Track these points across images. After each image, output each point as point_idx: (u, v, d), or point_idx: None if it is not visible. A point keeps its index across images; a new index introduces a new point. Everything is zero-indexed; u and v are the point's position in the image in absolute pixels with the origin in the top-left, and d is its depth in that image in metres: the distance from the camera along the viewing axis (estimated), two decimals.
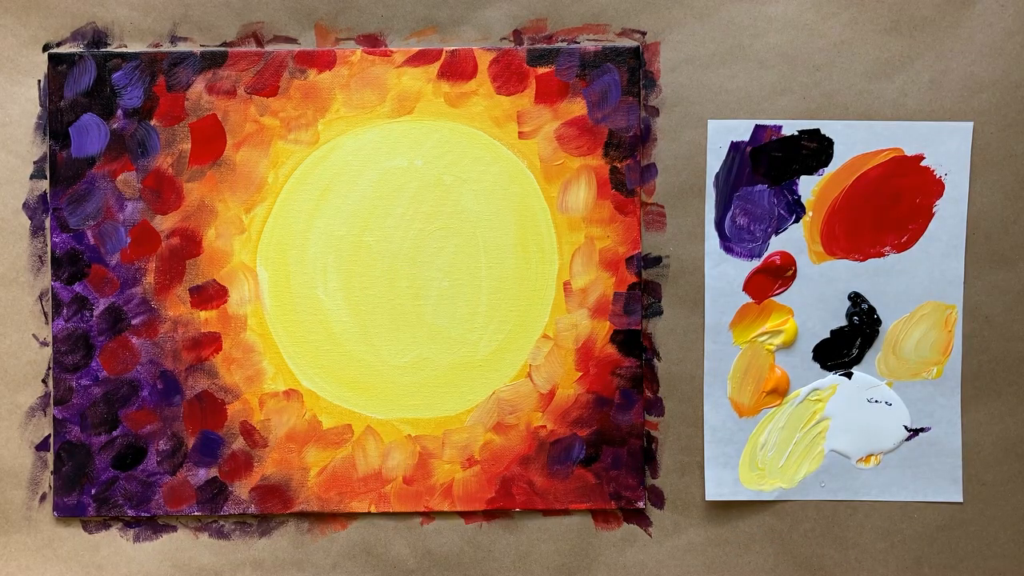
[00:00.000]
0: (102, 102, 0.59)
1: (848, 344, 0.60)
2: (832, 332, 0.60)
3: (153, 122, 0.59)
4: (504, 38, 0.60)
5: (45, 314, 0.60)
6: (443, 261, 0.60)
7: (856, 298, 0.60)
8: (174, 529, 0.60)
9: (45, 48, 0.59)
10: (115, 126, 0.59)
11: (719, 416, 0.60)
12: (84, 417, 0.60)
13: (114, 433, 0.60)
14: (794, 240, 0.60)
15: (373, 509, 0.60)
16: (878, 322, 0.60)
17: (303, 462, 0.60)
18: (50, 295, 0.60)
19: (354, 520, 0.61)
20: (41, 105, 0.60)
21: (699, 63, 0.60)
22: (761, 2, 0.59)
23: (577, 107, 0.60)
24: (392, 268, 0.60)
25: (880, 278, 0.60)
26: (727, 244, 0.60)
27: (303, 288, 0.60)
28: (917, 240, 0.60)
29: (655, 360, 0.60)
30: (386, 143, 0.60)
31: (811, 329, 0.60)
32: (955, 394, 0.60)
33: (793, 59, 0.60)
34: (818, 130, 0.60)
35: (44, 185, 0.60)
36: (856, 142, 0.60)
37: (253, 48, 0.60)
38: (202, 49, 0.59)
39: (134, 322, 0.60)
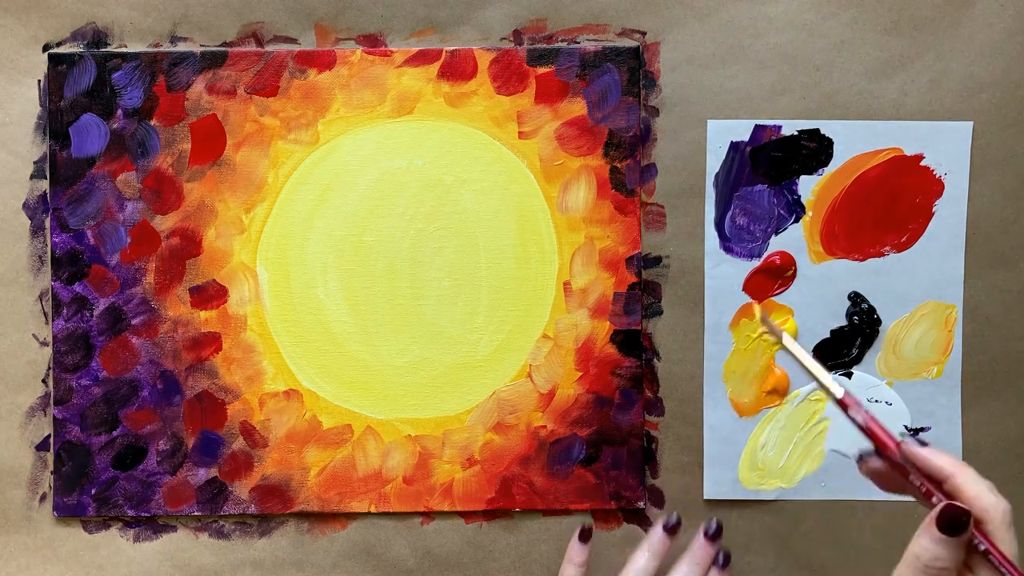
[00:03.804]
0: (102, 102, 0.59)
1: (848, 344, 0.60)
2: (832, 332, 0.60)
3: (153, 122, 0.59)
4: (504, 38, 0.60)
5: (45, 314, 0.60)
6: (443, 261, 0.60)
7: (856, 298, 0.60)
8: (174, 529, 0.60)
9: (45, 48, 0.59)
10: (115, 126, 0.59)
11: (719, 416, 0.60)
12: (84, 417, 0.60)
13: (114, 433, 0.60)
14: (794, 240, 0.60)
15: (373, 509, 0.60)
16: (878, 322, 0.60)
17: (303, 462, 0.60)
18: (50, 295, 0.60)
19: (354, 520, 0.61)
20: (41, 105, 0.60)
21: (699, 63, 0.60)
22: (761, 2, 0.59)
23: (577, 107, 0.60)
24: (392, 268, 0.60)
25: (880, 278, 0.60)
26: (727, 244, 0.60)
27: (303, 288, 0.60)
28: (917, 240, 0.60)
29: (655, 360, 0.60)
30: (386, 143, 0.60)
31: (811, 329, 0.60)
32: (955, 394, 0.60)
33: (793, 59, 0.60)
34: (818, 130, 0.60)
35: (44, 185, 0.60)
36: (856, 142, 0.60)
37: (253, 48, 0.60)
38: (202, 49, 0.59)
39: (134, 322, 0.60)
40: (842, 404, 0.46)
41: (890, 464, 0.45)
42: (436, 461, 0.60)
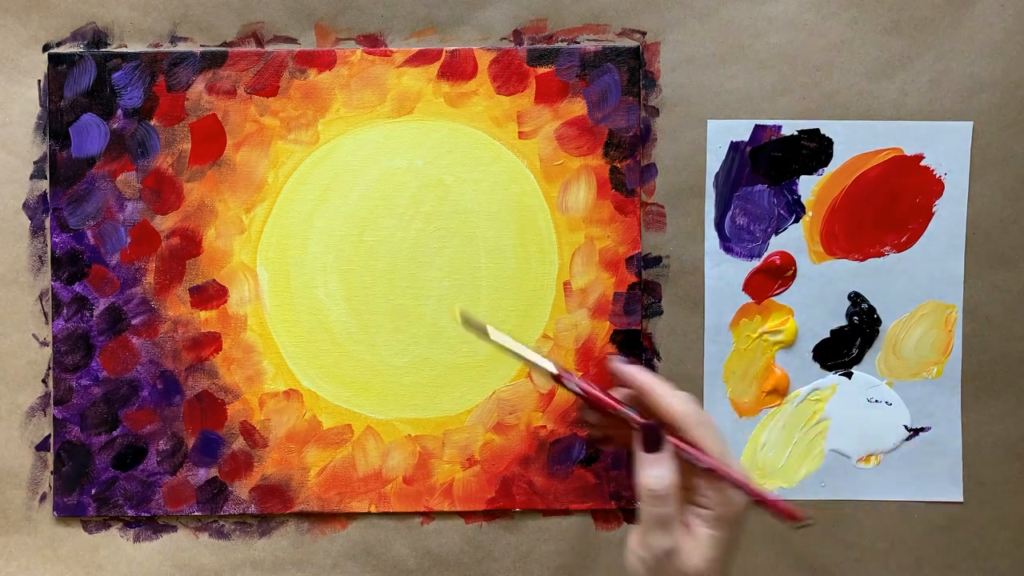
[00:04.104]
0: (102, 102, 0.59)
1: (848, 344, 0.60)
2: (832, 332, 0.60)
3: (153, 122, 0.59)
4: (504, 38, 0.60)
5: (45, 314, 0.60)
6: (443, 261, 0.60)
7: (856, 298, 0.60)
8: (174, 529, 0.60)
9: (45, 48, 0.59)
10: (115, 126, 0.59)
11: (719, 416, 0.60)
12: (84, 417, 0.60)
13: (114, 433, 0.60)
14: (794, 240, 0.60)
15: (373, 509, 0.60)
16: (878, 322, 0.60)
17: (303, 462, 0.60)
18: (50, 295, 0.60)
19: (354, 520, 0.61)
20: (41, 105, 0.60)
21: (699, 63, 0.60)
22: (761, 2, 0.59)
23: (577, 107, 0.60)
24: (392, 268, 0.60)
25: (880, 278, 0.60)
26: (727, 244, 0.60)
27: (303, 288, 0.60)
28: (917, 240, 0.60)
29: (655, 360, 0.60)
30: (386, 143, 0.60)
31: (811, 329, 0.60)
32: (955, 394, 0.60)
33: (793, 59, 0.60)
34: (818, 130, 0.60)
35: (44, 185, 0.60)
36: (856, 142, 0.60)
37: (253, 48, 0.60)
38: (202, 49, 0.59)
39: (134, 322, 0.60)
40: (557, 379, 0.50)
41: (616, 418, 0.49)
42: (436, 461, 0.60)
